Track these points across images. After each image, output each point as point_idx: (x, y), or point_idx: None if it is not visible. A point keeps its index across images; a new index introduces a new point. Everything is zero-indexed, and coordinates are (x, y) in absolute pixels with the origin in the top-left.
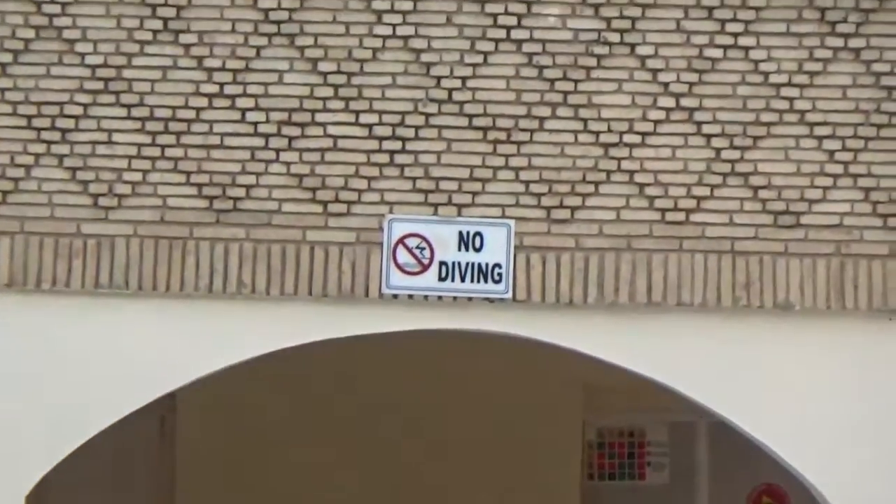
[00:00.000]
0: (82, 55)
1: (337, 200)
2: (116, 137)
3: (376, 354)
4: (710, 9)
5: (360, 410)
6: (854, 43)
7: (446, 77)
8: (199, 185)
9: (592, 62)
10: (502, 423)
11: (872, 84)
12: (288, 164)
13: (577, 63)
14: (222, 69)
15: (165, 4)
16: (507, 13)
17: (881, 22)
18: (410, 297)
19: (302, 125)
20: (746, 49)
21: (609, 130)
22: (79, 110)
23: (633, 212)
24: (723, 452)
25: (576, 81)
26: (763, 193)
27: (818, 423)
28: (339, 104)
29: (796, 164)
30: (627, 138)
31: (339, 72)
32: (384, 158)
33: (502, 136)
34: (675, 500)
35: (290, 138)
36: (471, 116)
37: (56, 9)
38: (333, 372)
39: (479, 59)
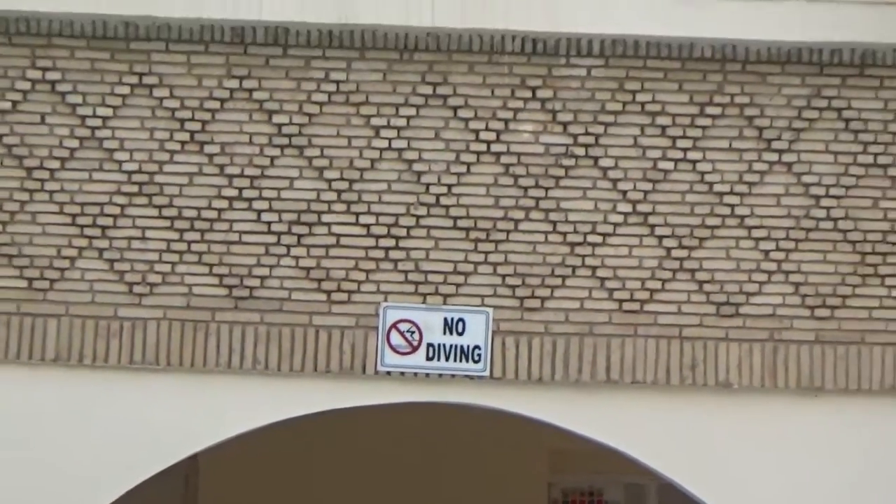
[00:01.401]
0: (120, 163)
1: (339, 290)
2: (149, 234)
3: (371, 423)
4: (664, 127)
5: (357, 470)
6: (787, 157)
7: (434, 184)
8: (221, 276)
9: (561, 172)
10: (478, 484)
11: (802, 193)
12: (297, 258)
13: (547, 173)
14: (241, 175)
15: (192, 119)
16: (487, 129)
17: (810, 140)
18: (402, 374)
19: (309, 224)
20: (694, 162)
21: (575, 231)
22: (116, 210)
23: (594, 302)
24: None
25: (546, 189)
26: (707, 287)
27: (753, 483)
28: (342, 207)
29: (736, 262)
30: (591, 238)
31: (341, 179)
32: (380, 254)
33: (482, 235)
34: None
35: (299, 236)
36: (455, 218)
37: (97, 122)
38: (335, 438)
39: (462, 168)
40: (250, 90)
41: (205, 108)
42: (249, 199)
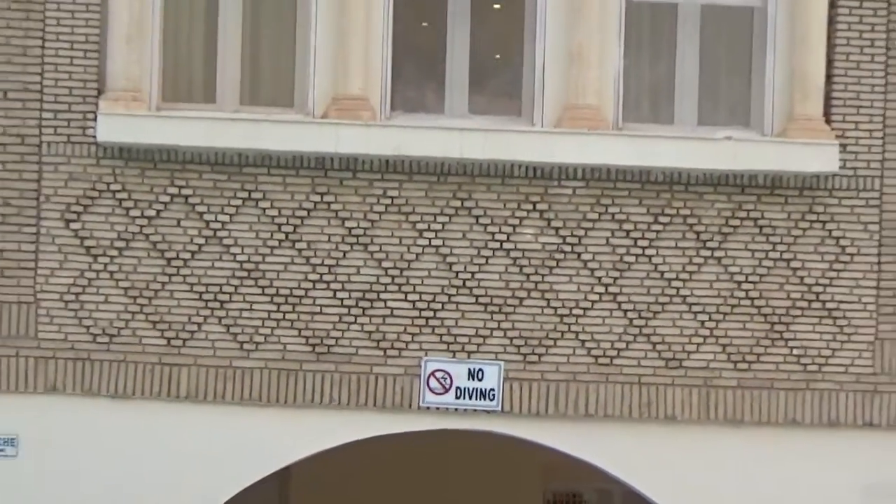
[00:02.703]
0: (234, 255)
1: (392, 348)
2: (255, 306)
3: (410, 445)
4: (628, 231)
5: (402, 479)
6: (717, 254)
7: (462, 272)
8: (307, 337)
9: (553, 263)
10: (488, 490)
11: (728, 279)
12: (362, 325)
13: (543, 264)
14: (322, 265)
15: (286, 223)
16: (500, 232)
17: (734, 241)
18: (437, 409)
19: (371, 300)
20: (650, 256)
21: (563, 307)
22: (231, 289)
23: (577, 357)
24: None
25: (542, 275)
26: (659, 347)
27: (693, 488)
28: (395, 287)
29: (680, 329)
30: (574, 311)
31: (394, 267)
32: (422, 322)
33: (496, 309)
34: None
35: (364, 308)
36: (477, 296)
37: (218, 225)
38: (385, 456)
39: (482, 260)
40: (329, 203)
41: (296, 215)
42: (328, 282)
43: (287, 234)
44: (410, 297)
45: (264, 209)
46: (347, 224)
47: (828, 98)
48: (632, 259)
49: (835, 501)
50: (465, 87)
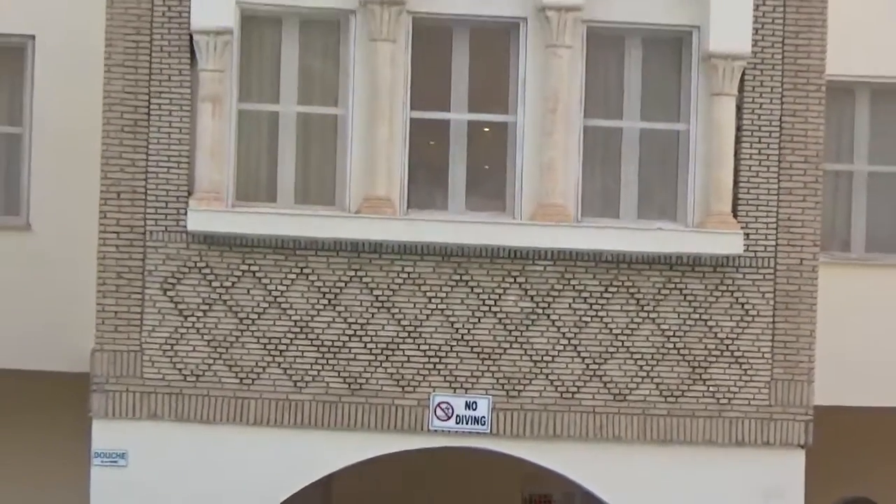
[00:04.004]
0: (290, 315)
1: (408, 386)
2: (305, 355)
3: (422, 459)
4: (585, 297)
5: (413, 486)
6: (652, 315)
7: (461, 328)
8: (344, 377)
9: (529, 323)
10: (481, 493)
11: (660, 334)
12: (386, 368)
13: (522, 322)
14: (356, 323)
15: (329, 292)
16: (489, 299)
17: (665, 306)
18: (442, 431)
19: (392, 349)
20: (602, 317)
21: (536, 354)
22: (288, 341)
23: (546, 393)
24: None
25: (521, 331)
26: (608, 385)
27: (637, 489)
28: (411, 341)
29: (624, 371)
30: (545, 358)
31: (410, 325)
32: (431, 366)
33: (486, 357)
34: None
35: (387, 356)
36: (472, 347)
37: (278, 293)
38: (401, 467)
39: (476, 320)
40: (361, 276)
41: (336, 286)
42: (360, 336)
43: (329, 300)
44: (422, 347)
45: (312, 281)
46: (374, 293)
47: (735, 198)
48: (588, 319)
49: (741, 501)
50: (463, 190)
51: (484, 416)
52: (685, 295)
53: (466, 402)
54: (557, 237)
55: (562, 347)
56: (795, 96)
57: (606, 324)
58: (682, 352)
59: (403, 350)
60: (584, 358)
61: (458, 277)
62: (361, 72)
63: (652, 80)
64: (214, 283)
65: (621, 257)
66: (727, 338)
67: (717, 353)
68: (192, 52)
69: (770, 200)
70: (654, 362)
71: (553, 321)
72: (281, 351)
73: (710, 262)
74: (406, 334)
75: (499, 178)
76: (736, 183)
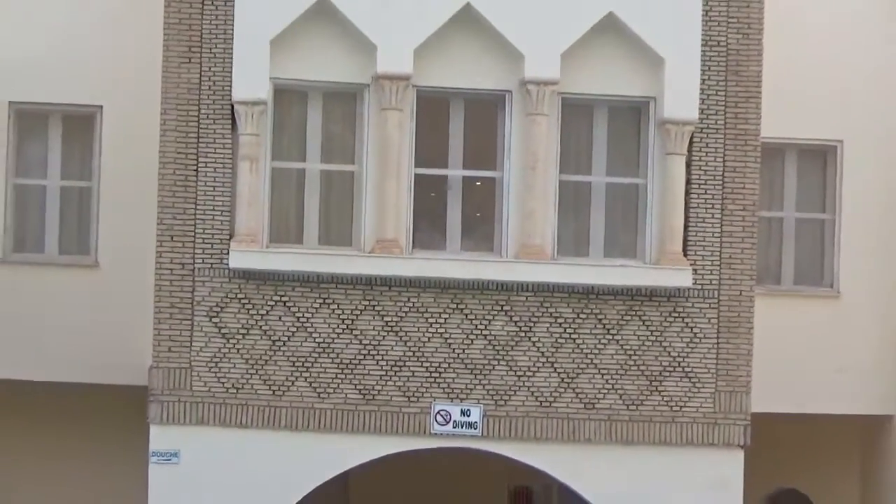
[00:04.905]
0: (315, 339)
1: (413, 396)
2: (327, 372)
3: (426, 459)
4: (561, 324)
5: (420, 480)
6: (617, 337)
7: (457, 348)
8: (360, 390)
9: (514, 343)
10: (474, 485)
11: (623, 354)
12: (394, 382)
13: (507, 343)
14: (370, 344)
15: (350, 320)
16: (480, 322)
17: (627, 330)
18: (442, 435)
19: (400, 366)
20: (575, 339)
21: (519, 369)
22: (313, 360)
23: (529, 403)
24: (567, 501)
25: (507, 350)
26: (580, 395)
27: (601, 480)
28: (416, 362)
29: (594, 384)
30: (528, 373)
31: (415, 346)
32: (431, 380)
33: (478, 373)
34: None
35: (395, 371)
36: (466, 364)
37: (304, 319)
38: (406, 466)
39: (469, 342)
40: (374, 306)
41: (353, 314)
42: (373, 355)
43: (347, 325)
44: (424, 364)
45: (333, 309)
46: (385, 319)
47: (685, 240)
48: (563, 340)
49: (691, 491)
50: (458, 234)
51: (476, 422)
52: (644, 321)
53: (462, 409)
54: (537, 272)
55: (541, 364)
56: (735, 155)
57: (578, 344)
58: (641, 368)
59: (409, 367)
60: (559, 373)
61: (454, 306)
62: (374, 135)
63: (616, 142)
64: (252, 311)
65: (591, 289)
66: (679, 356)
67: (671, 368)
68: (233, 120)
69: (714, 242)
70: (618, 376)
71: (534, 342)
72: (307, 367)
73: (665, 293)
74: (411, 353)
75: (488, 224)
76: (686, 227)
